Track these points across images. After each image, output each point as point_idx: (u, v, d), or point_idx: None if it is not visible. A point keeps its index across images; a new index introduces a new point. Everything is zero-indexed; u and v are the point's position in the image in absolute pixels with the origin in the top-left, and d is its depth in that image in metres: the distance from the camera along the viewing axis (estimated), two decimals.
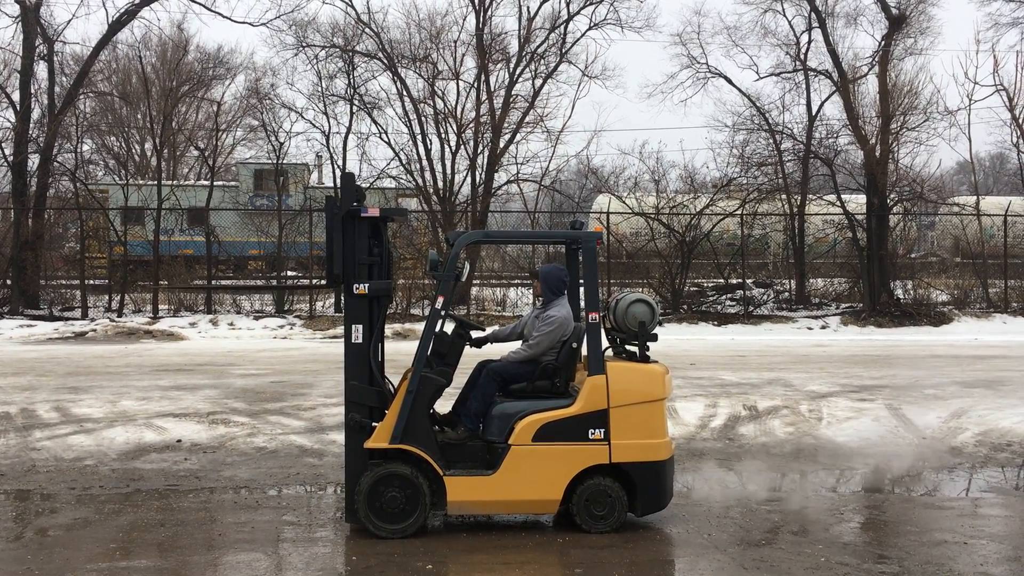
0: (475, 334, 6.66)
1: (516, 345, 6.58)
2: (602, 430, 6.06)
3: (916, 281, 23.03)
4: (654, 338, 6.37)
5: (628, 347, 6.56)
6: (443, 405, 6.47)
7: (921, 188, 23.37)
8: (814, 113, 23.65)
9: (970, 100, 26.29)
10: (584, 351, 6.27)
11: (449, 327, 6.54)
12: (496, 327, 7.22)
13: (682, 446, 8.51)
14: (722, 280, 23.41)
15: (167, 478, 7.62)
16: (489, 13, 23.79)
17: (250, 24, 23.70)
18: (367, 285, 6.15)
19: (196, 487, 7.35)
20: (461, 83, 23.70)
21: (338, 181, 20.76)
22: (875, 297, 21.66)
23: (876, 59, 22.67)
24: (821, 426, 9.67)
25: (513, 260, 24.74)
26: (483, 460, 6.11)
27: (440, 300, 6.18)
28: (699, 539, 6.12)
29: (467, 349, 6.54)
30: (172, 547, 5.91)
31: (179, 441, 8.79)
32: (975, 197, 27.39)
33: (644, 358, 6.36)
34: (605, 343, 6.33)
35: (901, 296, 22.32)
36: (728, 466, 8.11)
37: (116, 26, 22.79)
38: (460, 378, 6.51)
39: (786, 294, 23.24)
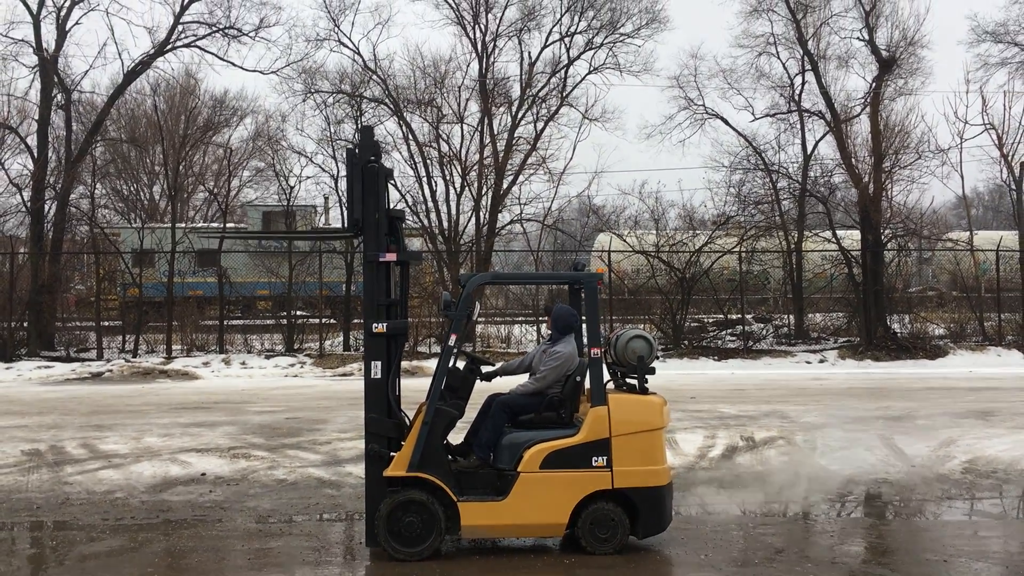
0: (485, 368, 7.13)
1: (524, 378, 7.05)
2: (605, 457, 6.49)
3: (913, 315, 23.45)
4: (652, 371, 6.84)
5: (628, 380, 7.03)
6: (456, 436, 6.93)
7: (916, 225, 23.87)
8: (809, 152, 24.25)
9: (961, 139, 26.84)
10: (587, 384, 6.74)
11: (460, 363, 7.00)
12: (503, 362, 7.70)
13: (682, 475, 8.93)
14: (722, 316, 23.83)
15: (194, 509, 8.04)
16: (492, 59, 24.47)
17: (260, 72, 24.48)
18: (385, 324, 6.64)
19: (222, 517, 7.77)
20: (465, 126, 24.35)
21: (346, 220, 21.31)
22: (872, 331, 22.08)
23: (868, 100, 23.30)
24: (815, 455, 10.08)
25: (517, 298, 25.22)
26: (494, 487, 6.53)
27: (453, 338, 6.64)
28: (696, 559, 6.53)
29: (477, 383, 7.01)
30: (205, 572, 6.35)
31: (203, 474, 9.23)
32: (968, 232, 27.86)
33: (643, 390, 6.82)
34: (607, 376, 6.80)
35: (898, 330, 22.72)
36: (725, 493, 8.52)
37: (131, 76, 23.57)
38: (471, 411, 6.98)
39: (785, 329, 23.64)
